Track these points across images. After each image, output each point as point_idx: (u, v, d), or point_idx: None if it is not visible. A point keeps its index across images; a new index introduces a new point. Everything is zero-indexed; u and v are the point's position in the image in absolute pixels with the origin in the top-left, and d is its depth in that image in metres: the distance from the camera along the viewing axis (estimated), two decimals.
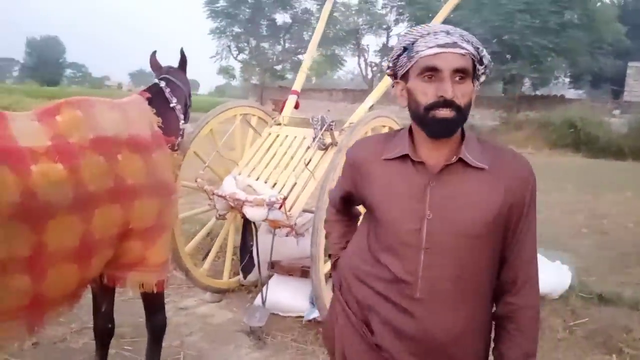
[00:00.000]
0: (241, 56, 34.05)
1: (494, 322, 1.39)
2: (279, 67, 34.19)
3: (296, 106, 4.15)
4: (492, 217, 1.25)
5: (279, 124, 3.90)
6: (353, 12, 32.18)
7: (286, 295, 3.67)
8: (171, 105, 2.62)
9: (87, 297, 2.54)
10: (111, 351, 2.98)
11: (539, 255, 3.96)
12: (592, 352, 3.35)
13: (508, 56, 23.89)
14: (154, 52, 2.86)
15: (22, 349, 3.05)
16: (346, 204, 1.59)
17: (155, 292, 2.35)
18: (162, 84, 2.65)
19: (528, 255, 1.33)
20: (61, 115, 1.99)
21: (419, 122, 1.28)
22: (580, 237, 6.43)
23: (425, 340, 1.28)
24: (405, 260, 1.28)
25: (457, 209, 1.25)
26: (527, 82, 25.84)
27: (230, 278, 4.09)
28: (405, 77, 1.29)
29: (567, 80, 29.57)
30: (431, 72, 1.21)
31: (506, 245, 1.32)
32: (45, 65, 59.85)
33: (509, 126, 21.76)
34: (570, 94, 30.44)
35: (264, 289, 3.55)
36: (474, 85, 1.27)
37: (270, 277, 3.81)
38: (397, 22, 30.32)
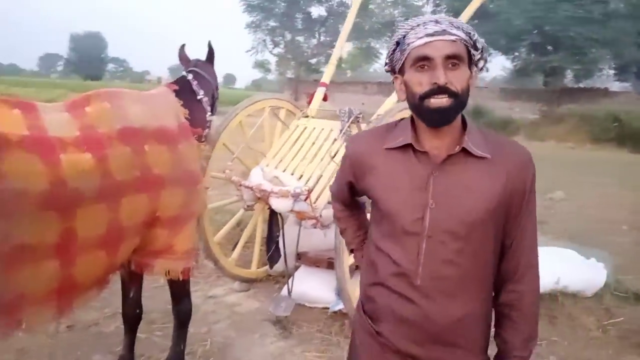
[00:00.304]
0: (276, 50, 34.23)
1: (494, 310, 1.40)
2: (314, 61, 34.21)
3: (325, 98, 4.16)
4: (494, 205, 1.27)
5: (307, 117, 3.92)
6: (389, 3, 31.86)
7: (312, 286, 3.70)
8: (198, 97, 2.67)
9: (120, 284, 2.64)
10: (142, 336, 3.09)
11: (573, 252, 3.86)
12: (626, 353, 3.25)
13: (549, 47, 23.18)
14: (183, 46, 2.92)
15: (57, 332, 3.18)
16: (350, 196, 1.59)
17: (181, 279, 2.42)
18: (190, 76, 2.71)
19: (529, 242, 1.35)
20: (90, 106, 2.06)
21: (416, 112, 1.30)
22: (620, 234, 6.22)
23: (425, 326, 1.30)
24: (407, 248, 1.29)
25: (459, 198, 1.26)
26: (569, 75, 25.01)
27: (258, 268, 4.15)
28: (402, 71, 1.31)
29: (612, 72, 28.45)
30: (423, 61, 1.23)
31: (507, 232, 1.33)
32: (88, 60, 61.80)
33: (549, 120, 21.16)
34: (615, 86, 29.34)
35: (291, 279, 3.59)
36: (471, 71, 1.28)
37: (297, 268, 3.84)
38: (434, 13, 29.85)
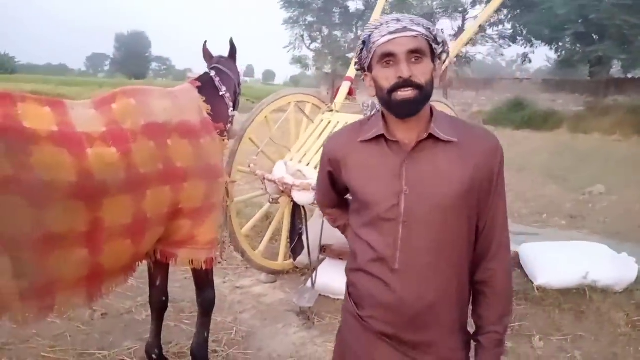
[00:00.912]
0: (314, 45, 34.26)
1: (470, 290, 1.45)
2: (351, 55, 34.03)
3: (350, 92, 4.19)
4: (465, 188, 1.33)
5: (332, 111, 3.97)
6: None
7: (336, 279, 3.74)
8: (220, 93, 2.76)
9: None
10: (170, 324, 3.23)
11: (603, 247, 3.77)
12: None
13: (595, 37, 22.27)
14: (205, 42, 3.01)
15: (92, 319, 3.37)
16: (337, 196, 1.65)
17: (204, 269, 2.52)
18: (212, 73, 2.80)
19: (500, 223, 1.41)
20: (116, 103, 2.18)
21: (385, 106, 1.37)
22: None
23: (402, 310, 1.35)
24: (385, 234, 1.36)
25: (431, 183, 1.33)
26: (615, 65, 23.97)
27: (284, 260, 4.24)
28: (370, 68, 1.38)
29: None
30: (388, 57, 1.31)
31: (480, 214, 1.39)
32: (133, 60, 63.51)
33: (594, 112, 20.33)
34: None
35: (315, 271, 3.65)
36: (434, 64, 1.35)
37: (322, 260, 3.91)
38: (473, 4, 29.11)
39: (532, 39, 25.65)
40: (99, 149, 1.97)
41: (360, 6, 33.35)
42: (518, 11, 24.66)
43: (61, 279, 1.92)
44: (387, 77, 1.31)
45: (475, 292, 1.45)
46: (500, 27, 27.01)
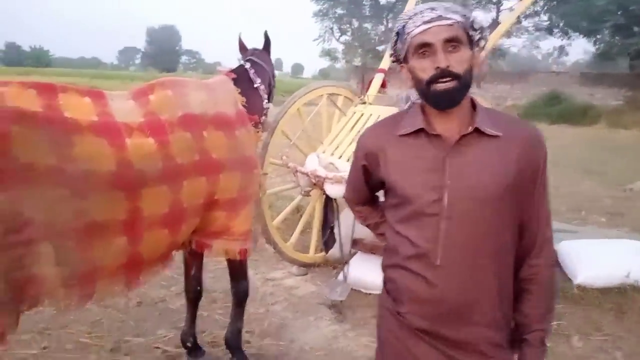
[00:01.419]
0: (343, 38, 34.14)
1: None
2: (381, 48, 33.78)
3: (383, 85, 4.15)
4: (509, 181, 1.29)
5: (364, 103, 3.93)
6: None
7: (368, 273, 3.72)
8: (255, 85, 2.76)
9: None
10: (204, 313, 3.27)
11: None
12: None
13: (635, 28, 21.52)
14: (240, 35, 3.02)
15: (128, 307, 3.44)
16: (369, 192, 1.60)
17: (238, 259, 2.53)
18: (247, 65, 2.80)
19: (545, 216, 1.38)
20: (154, 94, 2.20)
21: (424, 97, 1.33)
22: None
23: (443, 305, 1.32)
24: (426, 229, 1.32)
25: (475, 176, 1.29)
26: None
27: (316, 253, 4.24)
28: (406, 59, 1.35)
29: None
30: (424, 48, 1.28)
31: (524, 209, 1.35)
32: (164, 53, 64.56)
33: (634, 106, 19.69)
34: None
35: (346, 265, 3.64)
36: (473, 52, 1.31)
37: (353, 254, 3.89)
38: None
39: (569, 31, 24.99)
40: (138, 139, 1.99)
41: None
42: (555, 2, 24.01)
43: (102, 267, 1.96)
44: (424, 68, 1.28)
45: (519, 289, 1.40)
46: (536, 18, 26.41)
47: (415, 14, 1.30)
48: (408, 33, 1.30)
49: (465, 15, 1.29)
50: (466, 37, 1.29)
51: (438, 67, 1.25)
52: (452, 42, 1.26)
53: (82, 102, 1.91)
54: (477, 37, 1.32)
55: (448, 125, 1.33)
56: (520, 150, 1.31)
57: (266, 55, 2.97)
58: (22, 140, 1.64)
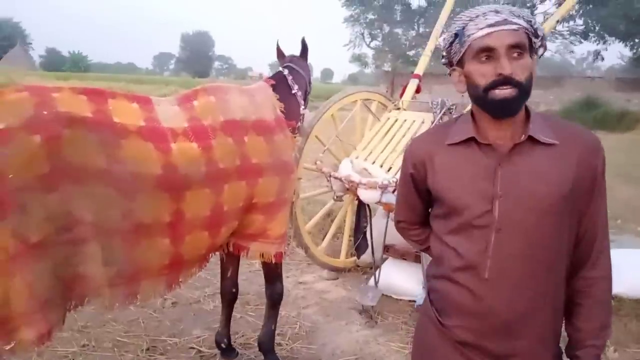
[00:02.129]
0: (374, 43, 34.04)
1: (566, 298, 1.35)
2: (411, 53, 33.58)
3: (418, 90, 4.14)
4: (566, 191, 1.24)
5: (398, 109, 3.93)
6: None
7: (399, 279, 3.73)
8: (292, 91, 2.81)
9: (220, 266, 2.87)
10: (237, 315, 3.32)
11: None
12: None
13: None
14: (278, 42, 3.08)
15: (163, 307, 3.52)
16: (423, 207, 1.52)
17: (274, 262, 2.58)
18: (285, 71, 2.85)
19: (602, 226, 1.32)
20: (197, 100, 2.28)
21: (480, 104, 1.28)
22: None
23: (491, 319, 1.28)
24: (475, 241, 1.28)
25: (529, 186, 1.24)
26: None
27: (346, 258, 4.25)
28: (460, 63, 1.29)
29: None
30: (486, 52, 1.21)
31: (581, 218, 1.30)
32: (197, 58, 65.66)
33: None
34: None
35: (378, 270, 3.65)
36: (532, 59, 1.25)
37: (385, 260, 3.89)
38: None
39: (605, 35, 24.32)
40: (182, 143, 2.06)
41: (423, 3, 32.76)
42: (591, 6, 23.43)
43: (146, 268, 2.02)
44: (483, 73, 1.21)
45: (572, 302, 1.35)
46: (572, 22, 25.79)
47: (478, 16, 1.24)
48: (469, 35, 1.23)
49: (530, 21, 1.24)
50: (529, 43, 1.24)
51: (501, 74, 1.19)
52: (516, 49, 1.20)
53: (130, 108, 1.99)
54: (538, 44, 1.28)
55: (501, 134, 1.28)
56: (578, 158, 1.25)
57: (303, 62, 3.02)
58: (72, 143, 1.72)
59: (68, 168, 1.71)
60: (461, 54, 1.27)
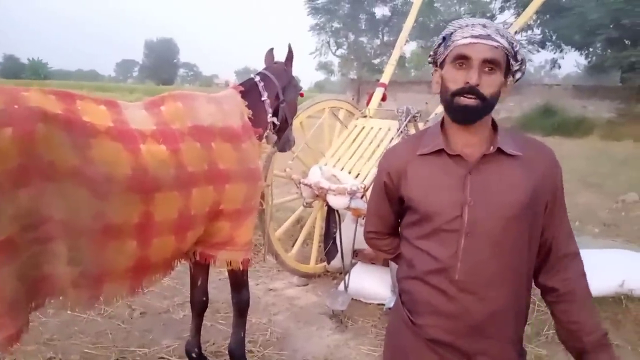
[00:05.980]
0: (339, 51, 34.39)
1: (552, 301, 1.43)
2: (377, 61, 34.07)
3: (383, 98, 4.23)
4: (528, 199, 1.33)
5: (365, 117, 4.01)
6: (455, 1, 31.18)
7: (368, 283, 3.79)
8: (262, 98, 2.81)
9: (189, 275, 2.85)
10: (207, 323, 3.30)
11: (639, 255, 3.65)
12: None
13: (627, 42, 21.82)
14: (271, 49, 3.08)
15: (131, 317, 3.47)
16: (394, 217, 1.57)
17: (240, 270, 2.58)
18: (257, 78, 2.85)
19: (567, 232, 1.43)
20: (165, 106, 2.27)
21: (445, 107, 1.37)
22: None
23: (462, 319, 1.34)
24: (446, 245, 1.35)
25: (496, 194, 1.33)
26: None
27: (316, 264, 4.29)
28: (442, 65, 1.38)
29: None
30: (462, 60, 1.30)
31: (545, 227, 1.39)
32: (162, 66, 64.72)
33: (626, 118, 19.89)
34: None
35: (347, 275, 3.70)
36: (506, 80, 1.35)
37: (354, 264, 3.94)
38: (502, 9, 28.82)
39: (562, 44, 25.28)
40: (151, 145, 2.04)
41: (387, 12, 33.37)
42: (548, 16, 24.31)
43: (111, 270, 1.98)
44: (455, 79, 1.31)
45: (561, 302, 1.41)
46: (529, 32, 26.70)
47: (467, 25, 1.33)
48: (453, 41, 1.32)
49: (512, 43, 1.32)
50: (505, 63, 1.32)
51: (468, 83, 1.28)
52: (490, 64, 1.28)
53: (98, 109, 1.97)
54: (515, 67, 1.36)
55: (469, 143, 1.36)
56: (539, 169, 1.35)
57: (280, 70, 2.98)
58: (45, 139, 1.67)
59: (40, 164, 1.66)
60: (444, 56, 1.37)
